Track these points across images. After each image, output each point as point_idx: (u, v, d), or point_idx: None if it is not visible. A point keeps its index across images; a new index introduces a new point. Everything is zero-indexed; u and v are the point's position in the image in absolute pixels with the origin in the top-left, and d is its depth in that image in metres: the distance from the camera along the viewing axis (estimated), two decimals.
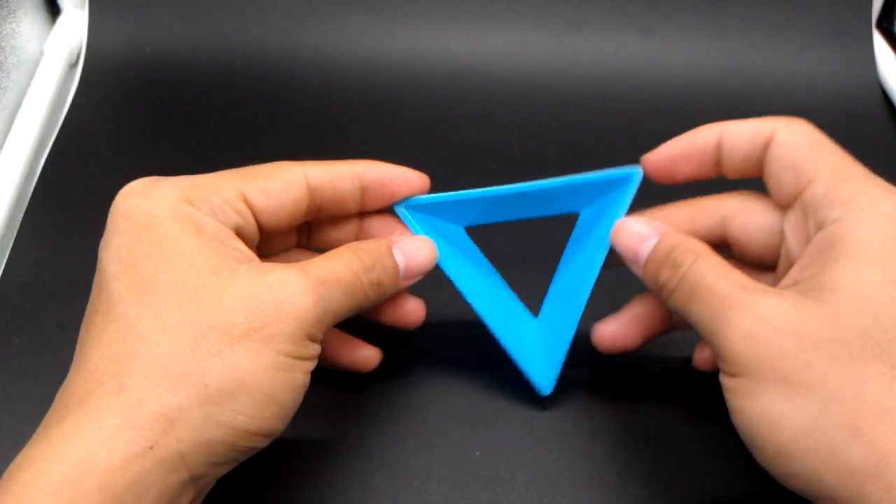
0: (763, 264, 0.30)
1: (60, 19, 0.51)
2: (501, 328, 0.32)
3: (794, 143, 0.27)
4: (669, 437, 0.33)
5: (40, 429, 0.24)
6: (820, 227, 0.26)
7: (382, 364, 0.33)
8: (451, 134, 0.46)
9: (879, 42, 0.50)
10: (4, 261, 0.39)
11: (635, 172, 0.31)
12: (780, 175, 0.28)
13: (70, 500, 0.22)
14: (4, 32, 0.46)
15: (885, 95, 0.49)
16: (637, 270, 0.29)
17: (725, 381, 0.25)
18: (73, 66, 0.50)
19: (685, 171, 0.30)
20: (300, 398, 0.26)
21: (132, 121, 0.47)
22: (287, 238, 0.32)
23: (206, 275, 0.25)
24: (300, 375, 0.26)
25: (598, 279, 0.31)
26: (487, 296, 0.33)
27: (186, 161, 0.44)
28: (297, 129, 0.46)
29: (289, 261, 0.32)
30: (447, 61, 0.49)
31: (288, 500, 0.31)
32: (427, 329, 0.36)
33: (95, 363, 0.24)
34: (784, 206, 0.28)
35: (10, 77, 0.47)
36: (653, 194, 0.31)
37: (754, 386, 0.24)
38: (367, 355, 0.33)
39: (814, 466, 0.23)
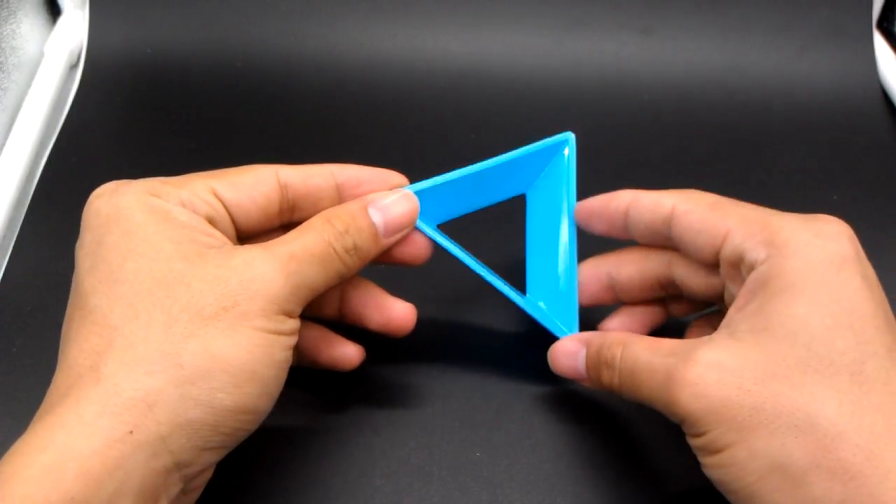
0: (711, 301, 0.31)
1: (61, 20, 0.51)
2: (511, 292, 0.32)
3: (696, 209, 0.29)
4: (669, 438, 0.33)
5: (28, 428, 0.24)
6: (750, 270, 0.27)
7: (382, 365, 0.33)
8: (451, 134, 0.46)
9: (880, 42, 0.50)
10: (5, 262, 0.39)
11: (568, 138, 0.32)
12: (695, 240, 0.29)
13: (51, 487, 0.22)
14: (5, 33, 0.46)
15: (885, 95, 0.49)
16: (586, 384, 0.31)
17: (692, 441, 0.26)
18: (74, 66, 0.50)
19: (599, 228, 0.32)
20: (282, 375, 0.27)
21: (132, 121, 0.47)
22: (270, 238, 0.32)
23: (174, 260, 0.25)
24: (278, 351, 0.26)
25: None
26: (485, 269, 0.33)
27: (187, 161, 0.44)
28: (297, 130, 0.46)
29: None
30: (447, 61, 0.50)
31: (288, 500, 0.31)
32: (427, 330, 0.36)
33: (75, 358, 0.25)
34: (710, 266, 0.29)
35: (11, 78, 0.47)
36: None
37: (716, 440, 0.25)
38: (348, 353, 0.32)
39: (783, 503, 0.24)
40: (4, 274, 0.39)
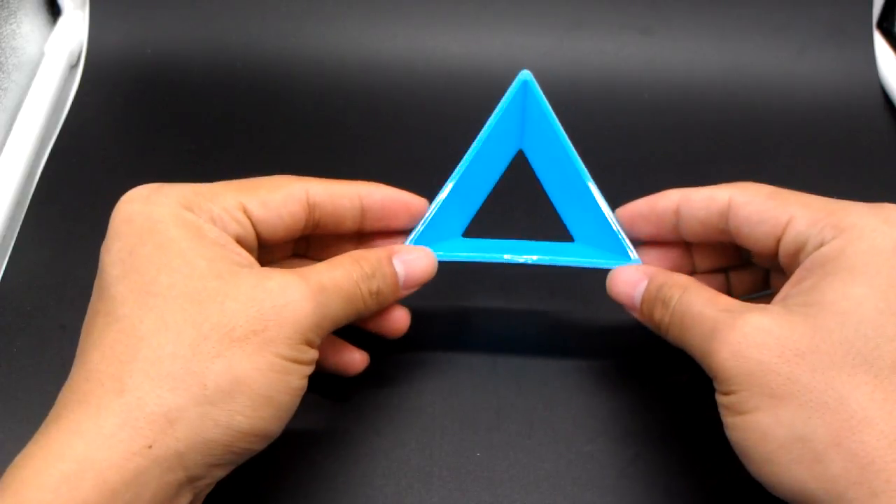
0: (765, 255, 0.30)
1: (61, 20, 0.51)
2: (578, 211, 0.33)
3: (755, 200, 0.29)
4: (670, 438, 0.33)
5: (41, 428, 0.24)
6: (809, 254, 0.27)
7: (383, 366, 0.33)
8: (452, 134, 0.46)
9: (880, 42, 0.50)
10: (5, 262, 0.39)
11: (526, 77, 0.32)
12: (754, 232, 0.29)
13: (69, 496, 0.22)
14: (5, 33, 0.46)
15: (885, 96, 0.49)
16: (635, 314, 0.31)
17: (720, 399, 0.26)
18: (74, 66, 0.50)
19: (646, 231, 0.32)
20: (296, 402, 0.27)
21: (133, 122, 0.47)
22: (285, 249, 0.33)
23: (208, 278, 0.26)
24: (296, 379, 0.26)
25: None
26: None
27: (187, 161, 0.44)
28: (297, 130, 0.46)
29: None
30: (447, 62, 0.49)
31: (290, 500, 0.31)
32: (427, 330, 0.36)
33: (96, 363, 0.24)
34: (767, 259, 0.29)
35: (11, 78, 0.47)
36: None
37: (744, 401, 0.25)
38: (354, 359, 0.33)
39: (799, 475, 0.24)
40: (4, 274, 0.39)
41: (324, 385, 0.34)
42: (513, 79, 0.32)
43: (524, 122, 0.33)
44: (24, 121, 0.45)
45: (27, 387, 0.34)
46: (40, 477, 0.22)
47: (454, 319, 0.37)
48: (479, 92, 0.49)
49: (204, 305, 0.25)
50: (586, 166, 0.32)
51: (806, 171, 0.45)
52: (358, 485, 0.32)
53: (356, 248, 0.32)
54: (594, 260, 0.32)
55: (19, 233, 0.41)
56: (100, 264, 0.27)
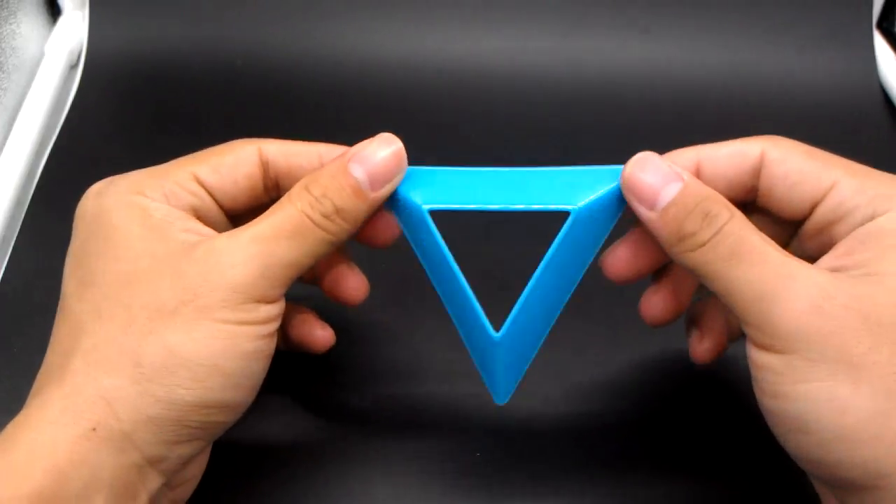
0: (792, 220, 0.27)
1: (61, 20, 0.51)
2: (465, 330, 0.29)
3: (793, 158, 0.26)
4: (671, 438, 0.33)
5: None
6: (856, 224, 0.24)
7: (382, 366, 0.33)
8: (452, 135, 0.46)
9: (880, 42, 0.50)
10: (4, 262, 0.39)
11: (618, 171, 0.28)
12: (789, 193, 0.26)
13: (20, 483, 0.22)
14: (5, 33, 0.46)
15: (885, 96, 0.49)
16: (646, 214, 0.25)
17: (767, 358, 0.23)
18: (74, 67, 0.50)
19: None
20: (256, 365, 0.26)
21: (132, 121, 0.47)
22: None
23: (141, 259, 0.25)
24: (245, 341, 0.25)
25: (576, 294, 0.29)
26: (450, 291, 0.29)
27: None
28: (297, 129, 0.46)
29: None
30: (448, 62, 0.49)
31: (288, 502, 0.31)
32: (426, 330, 0.36)
33: (49, 359, 0.25)
34: (798, 221, 0.27)
35: (11, 78, 0.47)
36: None
37: (810, 366, 0.22)
38: (316, 336, 0.31)
39: (877, 454, 0.22)
40: (4, 274, 0.39)
41: (323, 385, 0.34)
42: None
43: (593, 200, 0.28)
44: (24, 121, 0.45)
45: (26, 387, 0.34)
46: None
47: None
48: (479, 92, 0.49)
49: (133, 287, 0.25)
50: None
51: None
52: (356, 486, 0.32)
53: None
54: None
55: (19, 233, 0.41)
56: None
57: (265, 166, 0.29)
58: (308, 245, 0.26)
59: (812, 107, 0.48)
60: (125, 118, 0.47)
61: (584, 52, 0.50)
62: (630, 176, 0.26)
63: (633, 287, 0.31)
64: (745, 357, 0.25)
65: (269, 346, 0.26)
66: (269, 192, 0.29)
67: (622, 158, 0.29)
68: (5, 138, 0.45)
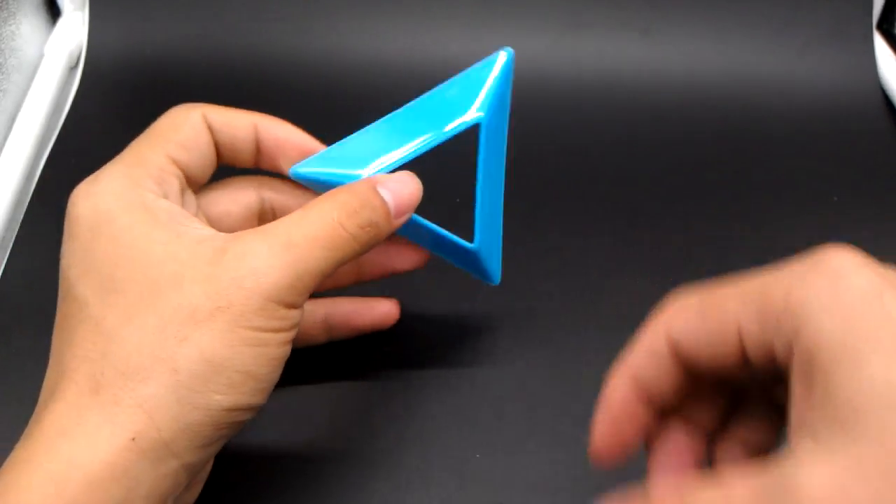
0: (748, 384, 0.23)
1: (60, 21, 0.51)
2: (448, 254, 0.32)
3: (689, 321, 0.22)
4: None
5: (25, 433, 0.24)
6: (789, 356, 0.20)
7: (382, 366, 0.33)
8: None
9: (880, 44, 0.50)
10: (4, 263, 0.39)
11: (506, 53, 0.31)
12: (709, 357, 0.22)
13: (56, 497, 0.22)
14: (4, 34, 0.46)
15: (885, 97, 0.49)
16: None
17: None
18: (74, 68, 0.50)
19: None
20: (279, 368, 0.26)
21: (132, 123, 0.47)
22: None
23: (165, 263, 0.25)
24: (274, 348, 0.25)
25: None
26: (423, 236, 0.32)
27: None
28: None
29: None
30: (447, 63, 0.49)
31: (288, 502, 0.31)
32: (427, 330, 0.36)
33: (68, 363, 0.25)
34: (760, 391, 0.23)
35: (10, 79, 0.47)
36: None
37: None
38: (384, 311, 0.33)
39: None
40: (3, 275, 0.39)
41: (322, 386, 0.34)
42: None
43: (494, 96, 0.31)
44: (24, 122, 0.45)
45: (26, 387, 0.34)
46: (26, 478, 0.22)
47: (454, 319, 0.37)
48: None
49: (163, 292, 0.25)
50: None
51: (806, 171, 0.45)
52: (357, 486, 0.32)
53: (258, 196, 0.31)
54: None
55: (19, 233, 0.41)
56: (60, 269, 0.26)
57: (211, 132, 0.29)
58: (338, 254, 0.26)
59: (812, 108, 0.48)
60: (125, 119, 0.47)
61: (584, 54, 0.50)
62: None
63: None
64: None
65: (289, 350, 0.26)
66: (219, 158, 0.30)
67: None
68: (5, 139, 0.45)
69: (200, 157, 0.29)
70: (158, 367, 0.24)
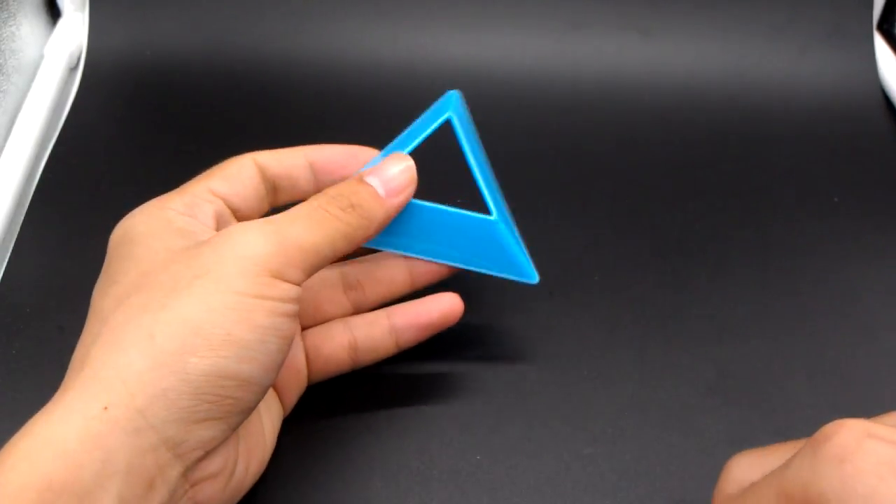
0: None
1: (61, 22, 0.51)
2: (473, 248, 0.33)
3: None
4: (671, 441, 0.33)
5: None
6: None
7: (382, 367, 0.33)
8: (451, 137, 0.46)
9: (880, 44, 0.50)
10: (4, 264, 0.39)
11: (450, 99, 0.34)
12: None
13: (31, 472, 0.22)
14: (4, 35, 0.46)
15: (885, 97, 0.49)
16: None
17: None
18: (74, 69, 0.50)
19: None
20: (272, 342, 0.25)
21: (132, 124, 0.47)
22: None
23: (159, 254, 0.26)
24: (261, 315, 0.25)
25: None
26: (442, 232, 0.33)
27: (186, 164, 0.44)
28: (297, 131, 0.46)
29: None
30: (447, 64, 0.49)
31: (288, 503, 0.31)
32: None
33: (74, 356, 0.26)
34: None
35: (11, 80, 0.47)
36: None
37: None
38: (448, 302, 0.33)
39: None
40: (4, 276, 0.39)
41: (321, 386, 0.34)
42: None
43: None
44: (24, 123, 0.45)
45: (26, 388, 0.34)
46: (2, 460, 0.22)
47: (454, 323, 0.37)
48: (479, 95, 0.49)
49: (150, 275, 0.26)
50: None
51: (806, 171, 0.45)
52: (356, 488, 0.32)
53: None
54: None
55: (19, 234, 0.41)
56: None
57: (262, 171, 0.31)
58: (324, 232, 0.27)
59: (812, 108, 0.48)
60: (125, 120, 0.47)
61: (584, 55, 0.50)
62: None
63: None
64: None
65: (287, 326, 0.26)
66: (269, 196, 0.31)
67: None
68: (5, 140, 0.45)
69: (243, 188, 0.30)
70: (136, 335, 0.24)
